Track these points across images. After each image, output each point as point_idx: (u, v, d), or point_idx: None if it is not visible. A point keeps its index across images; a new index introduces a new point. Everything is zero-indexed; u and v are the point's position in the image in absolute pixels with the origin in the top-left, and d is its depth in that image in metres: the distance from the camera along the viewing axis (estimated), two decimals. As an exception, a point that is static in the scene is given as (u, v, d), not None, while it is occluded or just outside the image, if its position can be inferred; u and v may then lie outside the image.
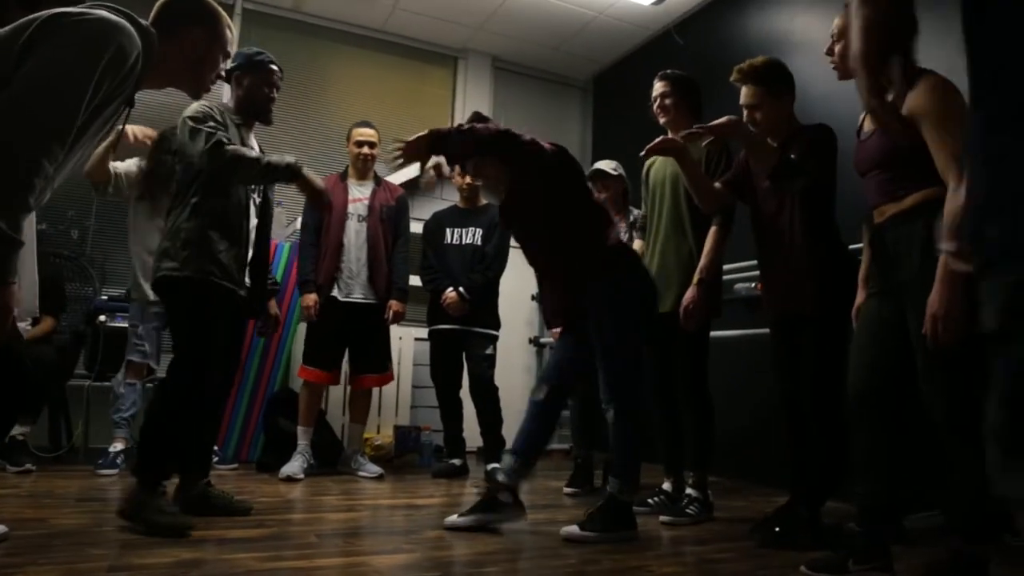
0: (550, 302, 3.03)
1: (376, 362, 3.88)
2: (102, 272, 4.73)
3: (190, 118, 2.55)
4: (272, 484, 3.39)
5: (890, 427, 2.07)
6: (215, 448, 3.90)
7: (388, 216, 3.92)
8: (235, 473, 3.72)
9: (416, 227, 4.27)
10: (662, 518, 2.89)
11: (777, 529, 2.53)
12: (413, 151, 2.62)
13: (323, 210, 3.48)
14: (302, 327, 4.05)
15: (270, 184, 2.81)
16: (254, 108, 2.81)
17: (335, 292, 3.78)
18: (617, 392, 2.62)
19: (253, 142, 2.83)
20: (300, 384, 3.82)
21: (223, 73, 2.12)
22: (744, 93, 2.66)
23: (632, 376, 2.66)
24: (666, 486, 3.13)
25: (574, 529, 2.54)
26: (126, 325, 3.86)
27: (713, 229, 2.92)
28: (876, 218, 2.19)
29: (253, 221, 2.75)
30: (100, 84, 1.54)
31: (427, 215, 4.32)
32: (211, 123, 2.54)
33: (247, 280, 2.72)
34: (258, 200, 2.79)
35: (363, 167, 3.96)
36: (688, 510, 2.90)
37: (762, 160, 2.55)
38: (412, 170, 4.06)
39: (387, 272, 3.86)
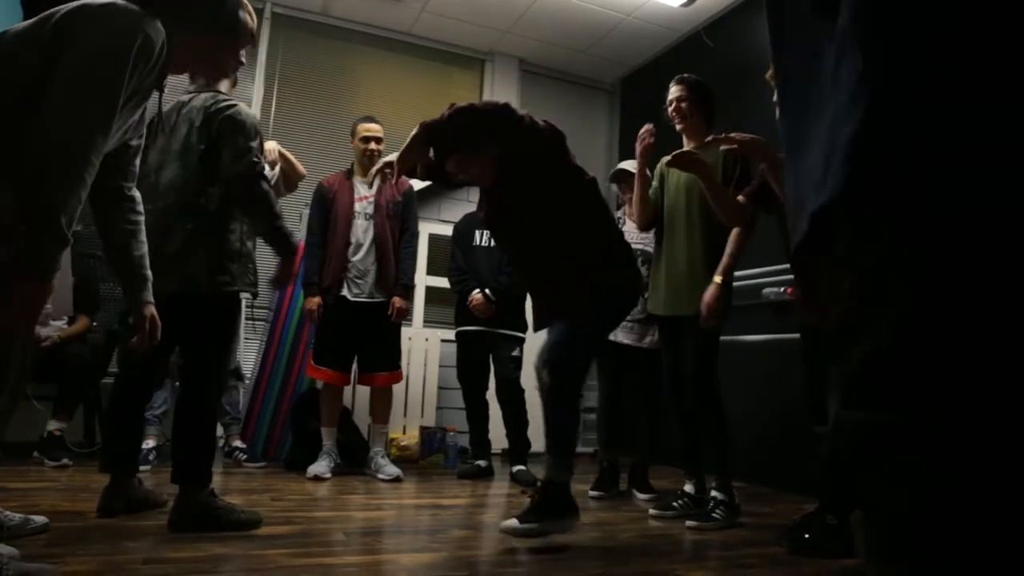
0: (540, 307, 2.80)
1: (388, 360, 3.84)
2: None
3: (243, 127, 2.52)
4: (300, 482, 3.42)
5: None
6: (242, 446, 3.98)
7: (395, 212, 3.86)
8: (263, 471, 3.76)
9: (446, 229, 4.27)
10: (688, 523, 2.87)
11: (807, 536, 2.51)
12: (406, 159, 2.51)
13: (277, 287, 3.16)
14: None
15: (262, 235, 2.67)
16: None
17: (345, 292, 3.73)
18: (557, 357, 2.51)
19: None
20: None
21: (244, 61, 2.11)
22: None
23: (580, 351, 2.58)
24: (688, 488, 3.12)
25: (513, 522, 2.41)
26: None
27: (736, 231, 2.90)
28: None
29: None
30: (132, 75, 1.56)
31: (457, 217, 4.33)
32: (258, 144, 2.55)
33: None
34: None
35: (369, 163, 3.82)
36: (714, 514, 2.88)
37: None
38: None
39: (395, 269, 3.83)
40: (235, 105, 2.57)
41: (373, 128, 3.90)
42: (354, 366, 3.88)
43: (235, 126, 2.51)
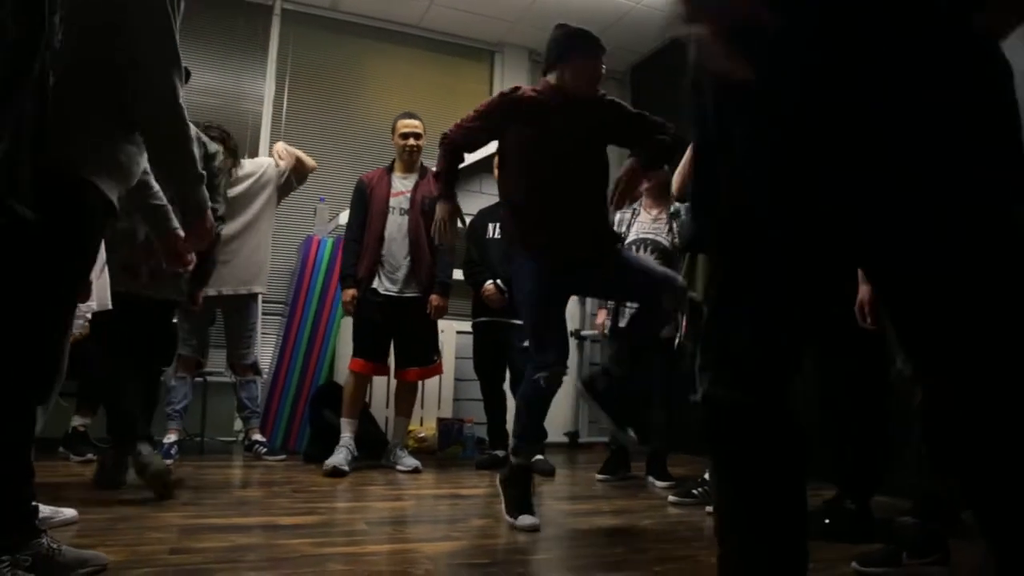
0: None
1: (420, 355, 3.87)
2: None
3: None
4: (319, 475, 3.45)
5: None
6: (262, 439, 4.01)
7: (431, 208, 3.74)
8: (283, 464, 3.80)
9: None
10: (708, 508, 2.88)
11: (827, 521, 2.50)
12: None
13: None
14: (347, 323, 4.08)
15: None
16: None
17: (375, 284, 3.75)
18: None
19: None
20: (345, 378, 3.85)
21: None
22: None
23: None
24: (707, 475, 3.12)
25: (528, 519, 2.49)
26: (176, 321, 3.96)
27: None
28: None
29: None
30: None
31: (472, 210, 4.34)
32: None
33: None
34: None
35: (409, 159, 3.91)
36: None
37: None
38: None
39: (431, 265, 3.82)
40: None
41: (412, 124, 3.91)
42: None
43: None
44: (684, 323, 3.50)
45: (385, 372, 3.92)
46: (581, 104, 2.72)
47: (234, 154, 3.92)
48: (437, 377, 4.64)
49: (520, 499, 2.57)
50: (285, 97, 5.38)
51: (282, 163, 4.14)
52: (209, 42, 5.10)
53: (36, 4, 1.17)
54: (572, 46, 2.84)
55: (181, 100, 1.65)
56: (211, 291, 3.76)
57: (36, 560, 1.56)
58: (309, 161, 4.09)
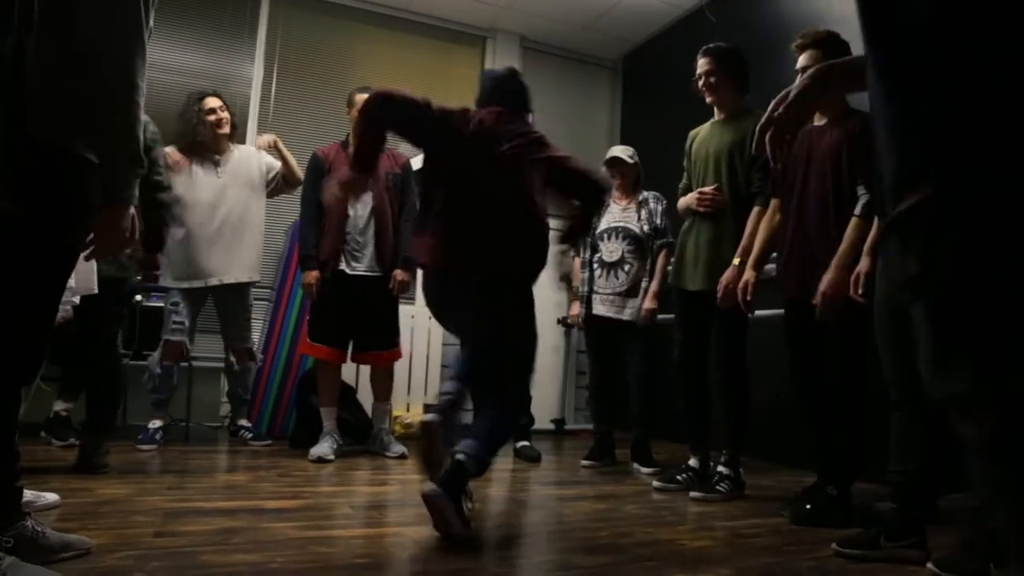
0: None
1: (385, 337, 3.75)
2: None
3: None
4: (305, 460, 3.44)
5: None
6: (248, 424, 4.00)
7: (394, 184, 3.76)
8: (269, 449, 3.79)
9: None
10: (692, 494, 2.91)
11: (808, 507, 2.54)
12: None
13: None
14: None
15: None
16: None
17: (343, 266, 3.63)
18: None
19: None
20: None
21: None
22: (801, 58, 2.63)
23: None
24: (692, 462, 3.15)
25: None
26: (161, 305, 3.93)
27: (756, 210, 2.90)
28: None
29: None
30: None
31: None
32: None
33: None
34: None
35: None
36: (719, 487, 2.91)
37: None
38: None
39: (394, 242, 3.71)
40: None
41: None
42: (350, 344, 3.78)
43: None
44: (645, 305, 3.54)
45: (345, 359, 3.75)
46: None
47: (234, 127, 3.92)
48: (424, 363, 4.64)
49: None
50: (274, 81, 5.33)
51: (270, 160, 4.07)
52: (196, 24, 5.04)
53: None
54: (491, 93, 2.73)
55: (138, 72, 1.54)
56: (213, 281, 3.76)
57: (19, 542, 1.55)
58: (297, 170, 4.01)
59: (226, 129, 3.84)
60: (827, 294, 2.42)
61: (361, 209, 3.67)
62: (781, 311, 2.89)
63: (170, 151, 3.69)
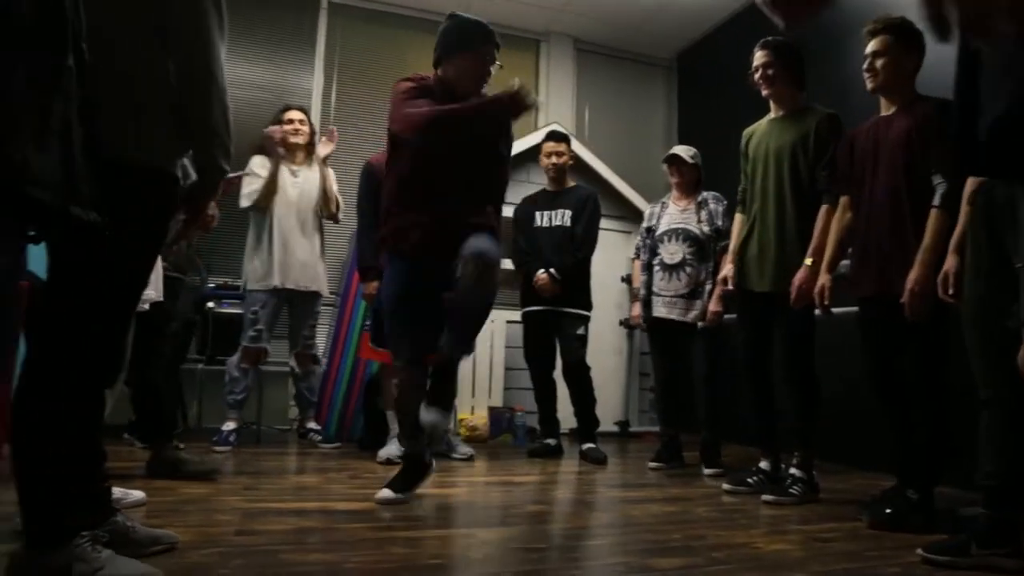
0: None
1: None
2: (208, 261, 4.97)
3: None
4: (374, 462, 3.50)
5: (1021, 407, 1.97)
6: (317, 427, 4.09)
7: None
8: (338, 451, 3.86)
9: (506, 212, 4.25)
10: (764, 497, 2.84)
11: (888, 511, 2.45)
12: None
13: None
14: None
15: None
16: None
17: None
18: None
19: None
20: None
21: None
22: (871, 44, 2.57)
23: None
24: (763, 465, 3.08)
25: (387, 493, 2.58)
26: (235, 312, 4.06)
27: (825, 208, 2.83)
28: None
29: None
30: None
31: (517, 199, 4.35)
32: None
33: None
34: None
35: None
36: (792, 490, 2.84)
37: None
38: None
39: None
40: None
41: None
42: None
43: None
44: (711, 306, 3.48)
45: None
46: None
47: (310, 144, 4.06)
48: (488, 366, 4.66)
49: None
50: (333, 91, 5.44)
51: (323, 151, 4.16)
52: (257, 38, 5.19)
53: (57, 6, 1.15)
54: (458, 40, 2.74)
55: (218, 69, 1.64)
56: (289, 284, 3.89)
57: (113, 537, 1.62)
58: (334, 199, 4.11)
59: (299, 139, 3.96)
60: (915, 291, 2.34)
61: None
62: (846, 309, 2.81)
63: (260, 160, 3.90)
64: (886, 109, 2.62)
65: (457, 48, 2.72)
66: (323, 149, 4.11)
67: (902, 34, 2.52)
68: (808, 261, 2.80)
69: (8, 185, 1.04)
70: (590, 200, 4.04)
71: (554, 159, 4.02)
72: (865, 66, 2.60)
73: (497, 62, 2.77)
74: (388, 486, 2.62)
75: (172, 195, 1.65)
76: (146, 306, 3.47)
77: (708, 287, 3.61)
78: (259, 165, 3.90)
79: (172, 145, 1.62)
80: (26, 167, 1.06)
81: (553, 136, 4.13)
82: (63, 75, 1.16)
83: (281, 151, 3.91)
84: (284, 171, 3.92)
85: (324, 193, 4.03)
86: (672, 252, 3.68)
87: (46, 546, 1.44)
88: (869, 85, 2.60)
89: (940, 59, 2.52)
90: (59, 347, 1.48)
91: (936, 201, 2.35)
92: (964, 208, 2.18)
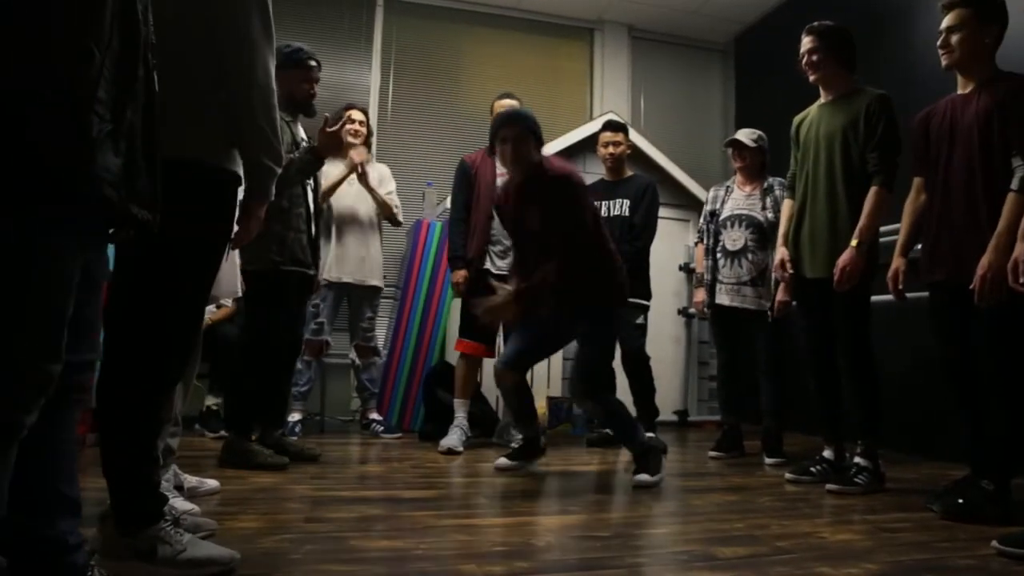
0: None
1: None
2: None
3: None
4: (435, 451, 3.56)
5: None
6: (379, 418, 4.17)
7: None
8: (399, 441, 3.94)
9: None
10: (828, 486, 2.80)
11: (960, 501, 2.38)
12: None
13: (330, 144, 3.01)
14: (458, 303, 4.16)
15: (307, 178, 3.04)
16: (293, 104, 3.03)
17: (488, 265, 3.78)
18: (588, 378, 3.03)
19: (300, 132, 3.13)
20: (456, 357, 3.93)
21: None
22: (947, 18, 2.48)
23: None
24: (827, 454, 3.03)
25: (504, 460, 3.15)
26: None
27: (874, 190, 2.77)
28: None
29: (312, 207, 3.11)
30: None
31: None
32: None
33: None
34: (312, 187, 3.12)
35: None
36: (857, 479, 2.79)
37: None
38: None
39: None
40: None
41: (509, 104, 3.88)
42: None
43: None
44: (779, 295, 3.41)
45: (492, 353, 3.92)
46: (523, 184, 3.06)
47: (368, 145, 4.17)
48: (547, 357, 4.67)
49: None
50: (391, 87, 5.52)
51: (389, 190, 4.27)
52: (315, 35, 5.29)
53: (131, 9, 1.20)
54: (492, 133, 3.12)
55: (260, 69, 1.66)
56: (346, 278, 4.02)
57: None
58: (386, 204, 4.20)
59: (358, 140, 4.04)
60: (985, 277, 2.26)
61: None
62: (916, 294, 2.74)
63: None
64: (963, 87, 2.53)
65: (491, 141, 3.17)
66: (356, 156, 4.12)
67: (980, 6, 2.42)
68: (854, 242, 2.74)
69: (93, 186, 1.10)
70: (649, 189, 4.01)
71: (611, 149, 4.01)
72: (939, 42, 2.50)
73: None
74: (506, 456, 3.18)
75: (232, 192, 1.71)
76: (229, 301, 3.60)
77: (774, 276, 3.55)
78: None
79: (226, 144, 1.67)
80: (106, 170, 1.12)
81: (610, 126, 4.11)
82: (135, 84, 1.21)
83: (356, 162, 3.98)
84: (341, 167, 4.00)
85: (377, 200, 4.16)
86: (734, 239, 3.64)
87: (134, 529, 1.52)
88: (944, 62, 2.51)
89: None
90: (128, 342, 1.56)
91: (1015, 185, 2.26)
92: None
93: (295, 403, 3.95)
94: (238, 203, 1.76)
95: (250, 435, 3.00)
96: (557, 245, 2.87)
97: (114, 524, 1.53)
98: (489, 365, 4.33)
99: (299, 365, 3.94)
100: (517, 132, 2.98)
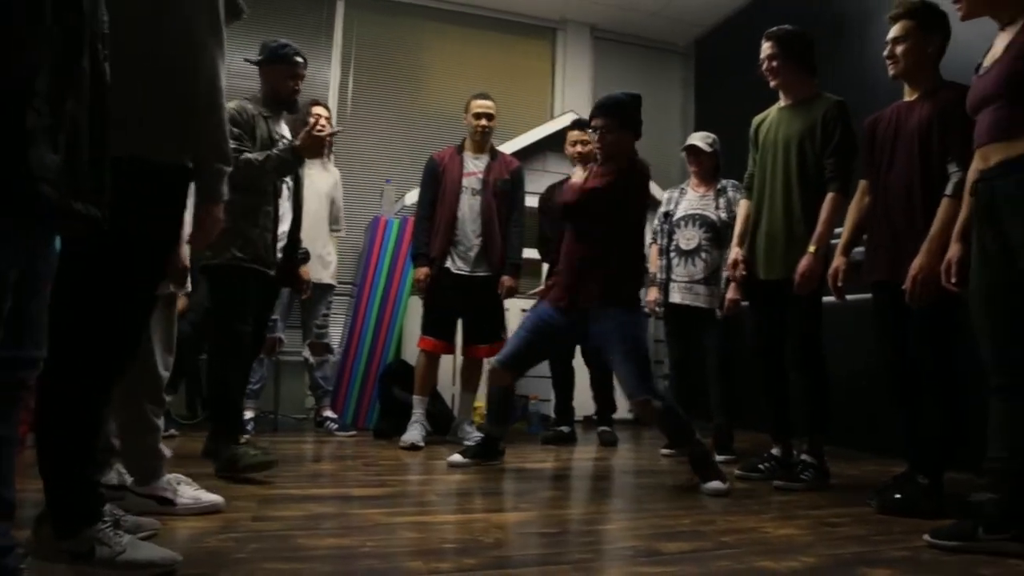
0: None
1: (489, 333, 3.89)
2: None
3: None
4: (389, 449, 3.56)
5: None
6: (333, 416, 4.15)
7: (503, 190, 3.88)
8: (353, 440, 3.92)
9: (532, 201, 4.28)
10: (775, 483, 2.86)
11: (898, 496, 2.46)
12: None
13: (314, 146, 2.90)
14: (414, 301, 4.16)
15: (286, 175, 2.94)
16: (277, 100, 2.95)
17: (448, 264, 3.79)
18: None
19: (284, 130, 3.02)
20: (415, 355, 3.91)
21: None
22: (893, 29, 2.56)
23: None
24: (775, 451, 3.09)
25: (458, 457, 3.16)
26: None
27: (830, 196, 2.84)
28: (979, 163, 2.08)
29: (286, 204, 3.00)
30: None
31: (541, 188, 4.37)
32: (236, 130, 2.72)
33: (279, 255, 2.97)
34: (291, 184, 3.03)
35: (481, 139, 3.91)
36: (803, 476, 2.86)
37: None
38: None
39: (502, 245, 3.86)
40: None
41: (485, 104, 3.90)
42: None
43: None
44: (729, 294, 3.47)
45: (452, 351, 3.96)
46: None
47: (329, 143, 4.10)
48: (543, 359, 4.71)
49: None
50: (351, 83, 5.48)
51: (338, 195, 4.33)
52: (275, 30, 5.21)
53: (75, 8, 1.18)
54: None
55: (207, 68, 1.63)
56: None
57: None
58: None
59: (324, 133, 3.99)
60: (917, 279, 2.34)
61: (469, 213, 3.82)
62: (859, 296, 2.81)
63: None
64: (909, 95, 2.61)
65: None
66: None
67: (924, 19, 2.50)
68: (811, 248, 2.81)
69: (27, 184, 1.07)
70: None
71: (579, 148, 4.03)
72: (886, 52, 2.58)
73: None
74: (460, 453, 3.18)
75: (179, 187, 1.68)
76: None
77: (725, 275, 3.61)
78: None
79: (171, 140, 1.64)
80: (43, 167, 1.10)
81: (579, 124, 4.12)
82: (78, 77, 1.19)
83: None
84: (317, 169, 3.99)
85: (333, 202, 4.18)
86: (688, 238, 3.70)
87: (71, 530, 1.49)
88: (891, 72, 2.59)
89: (966, 43, 2.52)
90: (71, 338, 1.53)
91: (948, 190, 2.34)
92: (967, 198, 2.18)
93: (247, 401, 3.90)
94: (187, 198, 1.73)
95: (238, 437, 2.83)
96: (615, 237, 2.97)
97: (51, 526, 1.50)
98: (447, 363, 4.36)
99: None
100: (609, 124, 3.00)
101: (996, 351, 2.01)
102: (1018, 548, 1.93)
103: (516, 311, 4.83)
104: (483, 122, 3.88)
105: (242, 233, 2.78)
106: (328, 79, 5.44)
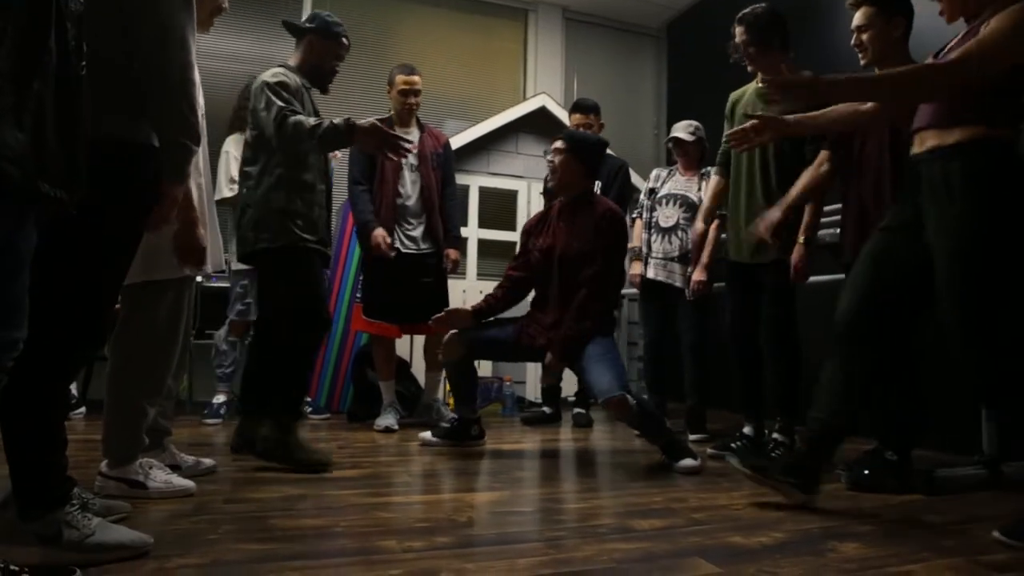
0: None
1: (437, 310, 3.67)
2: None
3: (267, 85, 2.64)
4: (363, 432, 3.55)
5: (869, 359, 2.17)
6: (308, 399, 4.12)
7: (438, 163, 3.83)
8: (327, 422, 3.91)
9: (496, 182, 4.26)
10: (708, 450, 2.94)
11: (866, 472, 2.51)
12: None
13: (391, 152, 2.67)
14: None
15: (330, 149, 2.84)
16: (318, 75, 2.87)
17: (397, 243, 3.69)
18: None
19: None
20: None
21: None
22: (856, 16, 2.56)
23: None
24: (747, 430, 3.13)
25: (428, 435, 3.25)
26: (223, 285, 4.07)
27: (808, 179, 2.84)
28: (915, 146, 2.12)
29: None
30: None
31: (506, 170, 4.37)
32: (285, 94, 2.63)
33: None
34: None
35: (408, 115, 3.81)
36: (773, 454, 2.90)
37: None
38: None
39: (442, 219, 3.81)
40: (267, 75, 2.75)
41: (413, 80, 3.77)
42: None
43: (262, 93, 2.68)
44: (696, 275, 3.50)
45: (398, 332, 3.81)
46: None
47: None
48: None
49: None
50: (320, 62, 5.39)
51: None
52: (242, 9, 5.13)
53: None
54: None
55: (174, 44, 1.60)
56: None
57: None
58: None
59: None
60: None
61: (411, 189, 3.75)
62: (832, 277, 2.85)
63: None
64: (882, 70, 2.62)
65: None
66: None
67: (884, 2, 2.51)
68: (801, 239, 2.84)
69: None
70: (621, 171, 4.05)
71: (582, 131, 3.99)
72: (853, 42, 2.58)
73: None
74: (432, 432, 3.24)
75: (143, 165, 1.65)
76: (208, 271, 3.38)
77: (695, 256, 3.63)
78: (234, 145, 3.88)
79: (135, 118, 1.62)
80: (4, 145, 1.07)
81: (579, 107, 4.07)
82: (44, 57, 1.16)
83: None
84: None
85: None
86: (668, 216, 3.74)
87: (37, 513, 1.47)
88: (862, 61, 2.58)
89: (932, 22, 2.53)
90: (37, 320, 1.50)
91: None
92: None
93: (220, 385, 3.88)
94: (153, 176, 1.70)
95: (297, 422, 2.72)
96: (595, 282, 3.03)
97: (16, 509, 1.48)
98: (419, 344, 4.33)
99: (223, 346, 3.88)
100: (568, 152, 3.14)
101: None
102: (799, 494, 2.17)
103: (473, 293, 4.81)
104: (411, 99, 3.77)
105: (302, 213, 2.69)
106: (297, 59, 5.34)
